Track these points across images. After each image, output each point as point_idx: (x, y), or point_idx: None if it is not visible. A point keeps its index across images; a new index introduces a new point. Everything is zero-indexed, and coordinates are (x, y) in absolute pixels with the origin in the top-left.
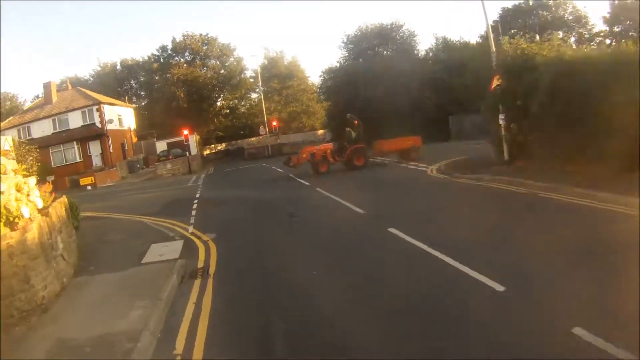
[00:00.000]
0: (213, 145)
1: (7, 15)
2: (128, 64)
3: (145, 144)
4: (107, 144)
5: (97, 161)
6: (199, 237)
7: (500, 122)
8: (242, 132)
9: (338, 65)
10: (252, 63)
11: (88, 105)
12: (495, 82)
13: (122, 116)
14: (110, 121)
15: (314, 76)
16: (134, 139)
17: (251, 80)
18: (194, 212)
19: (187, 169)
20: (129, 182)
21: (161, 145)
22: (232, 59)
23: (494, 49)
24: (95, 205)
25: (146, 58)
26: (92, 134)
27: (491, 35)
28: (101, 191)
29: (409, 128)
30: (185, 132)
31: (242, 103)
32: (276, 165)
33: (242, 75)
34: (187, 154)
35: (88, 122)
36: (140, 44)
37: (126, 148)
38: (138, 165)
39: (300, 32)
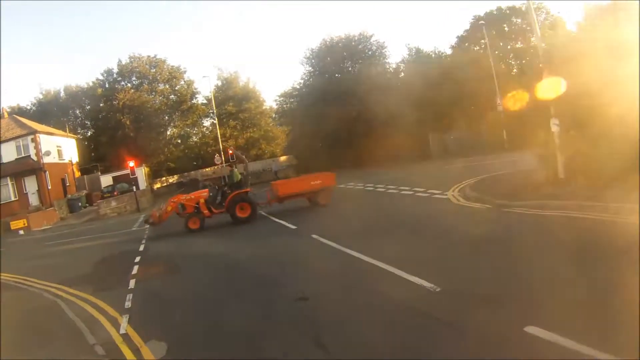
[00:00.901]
0: (164, 178)
1: None
2: (72, 90)
3: (89, 179)
4: (45, 179)
5: (34, 199)
6: (136, 350)
7: (553, 128)
8: (195, 163)
9: (301, 82)
10: (204, 86)
11: (22, 134)
12: (546, 76)
13: (62, 148)
14: (48, 153)
15: (270, 99)
16: (77, 173)
17: (203, 106)
18: (132, 283)
19: (135, 206)
20: (68, 224)
21: (107, 180)
22: (182, 82)
23: (538, 32)
24: (11, 262)
25: (91, 84)
26: (27, 168)
27: (534, 14)
28: (33, 237)
29: (384, 149)
30: (131, 163)
31: (195, 130)
32: None
33: (194, 100)
34: (134, 189)
35: (23, 155)
36: (86, 68)
37: (67, 184)
38: (80, 204)
39: (253, 53)
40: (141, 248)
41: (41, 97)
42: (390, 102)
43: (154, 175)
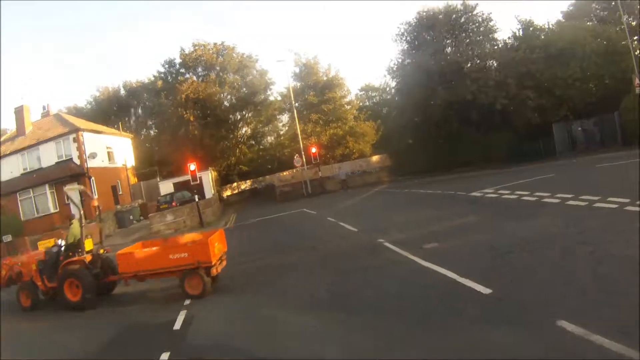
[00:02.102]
0: (235, 184)
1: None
2: (132, 86)
3: (146, 186)
4: (90, 187)
5: (76, 211)
6: None
7: None
8: (269, 167)
9: (396, 63)
10: (279, 75)
11: (63, 133)
12: None
13: (113, 149)
14: (93, 155)
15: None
16: (132, 180)
17: (279, 99)
18: None
19: (198, 219)
20: (110, 244)
21: (166, 187)
22: (254, 72)
23: None
24: None
25: (152, 78)
26: (68, 173)
27: None
28: None
29: (502, 143)
30: (192, 166)
31: (269, 128)
32: (328, 211)
33: (269, 92)
34: (196, 199)
35: (64, 158)
36: (147, 64)
37: (120, 192)
38: (131, 217)
39: (330, 39)
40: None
41: (98, 94)
42: (509, 85)
43: (223, 181)
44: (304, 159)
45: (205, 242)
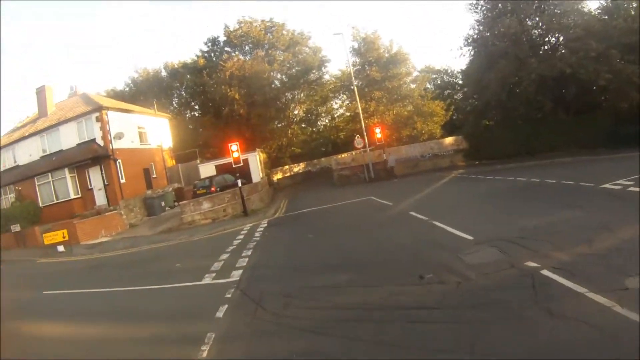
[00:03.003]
0: (287, 167)
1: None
2: (174, 68)
3: (185, 169)
4: (116, 170)
5: (101, 197)
6: None
7: None
8: (323, 149)
9: (475, 30)
10: (334, 54)
11: (85, 112)
12: None
13: (145, 129)
14: (120, 136)
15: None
16: (169, 162)
17: (334, 79)
18: None
19: (241, 208)
20: (134, 236)
21: (208, 170)
22: (306, 49)
23: None
24: None
25: (195, 57)
26: (89, 155)
27: None
28: (70, 259)
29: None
30: (234, 147)
31: (324, 108)
32: (405, 202)
33: (323, 69)
34: (239, 184)
35: (86, 139)
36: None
37: (154, 175)
38: (162, 204)
39: (386, 15)
40: None
41: (137, 76)
42: (611, 58)
43: (273, 163)
44: (366, 140)
45: None
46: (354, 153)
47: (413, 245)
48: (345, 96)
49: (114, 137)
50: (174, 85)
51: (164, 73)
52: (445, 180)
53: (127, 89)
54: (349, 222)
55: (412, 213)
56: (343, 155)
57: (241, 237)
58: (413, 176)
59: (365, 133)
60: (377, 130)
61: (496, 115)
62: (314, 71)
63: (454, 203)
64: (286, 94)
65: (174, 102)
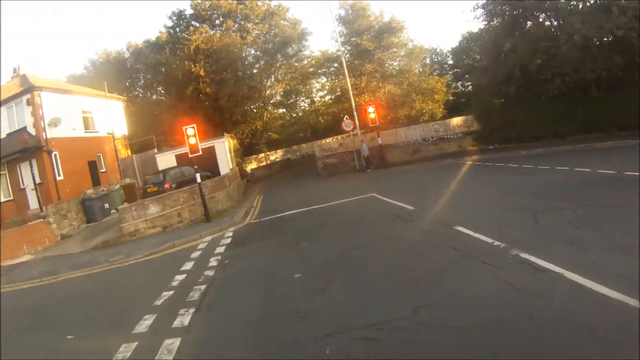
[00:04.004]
0: (262, 155)
1: None
2: (137, 48)
3: (140, 160)
4: (50, 164)
5: (34, 199)
6: None
7: None
8: (301, 135)
9: None
10: (317, 29)
11: (15, 95)
12: None
13: (92, 114)
14: (56, 122)
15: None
16: (124, 153)
17: (314, 58)
18: None
19: (202, 211)
20: (58, 255)
21: (167, 160)
22: (284, 23)
23: None
24: None
25: (159, 34)
26: (17, 147)
27: None
28: None
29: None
30: (191, 131)
31: (304, 89)
32: (426, 201)
33: (304, 43)
34: (197, 179)
35: (17, 128)
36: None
37: (102, 169)
38: (106, 205)
39: None
40: None
41: (96, 57)
42: None
43: (246, 151)
44: (357, 122)
45: None
46: (341, 137)
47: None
48: (326, 78)
49: (48, 124)
50: (137, 67)
51: (127, 54)
52: (466, 170)
53: (86, 72)
54: (355, 242)
55: (461, 229)
56: (328, 140)
57: (189, 265)
58: (416, 164)
59: (355, 113)
60: (371, 109)
61: (521, 90)
62: (293, 45)
63: (516, 207)
64: (262, 69)
65: (138, 86)
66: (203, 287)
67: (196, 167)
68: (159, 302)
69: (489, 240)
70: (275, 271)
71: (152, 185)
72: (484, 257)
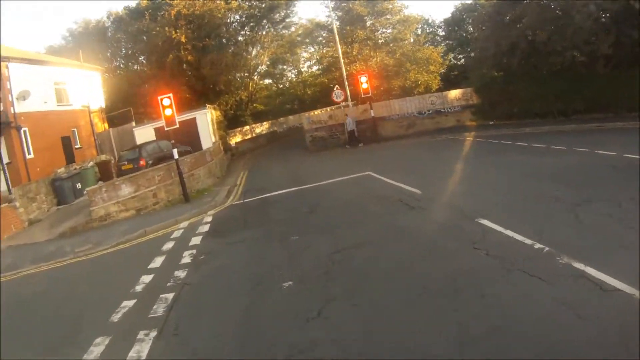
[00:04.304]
0: (248, 127)
1: None
2: (118, 15)
3: (117, 134)
4: (19, 141)
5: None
6: None
7: None
8: (288, 106)
9: None
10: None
11: None
12: None
13: (66, 85)
14: (25, 95)
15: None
16: (101, 127)
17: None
18: None
19: (180, 191)
20: (24, 244)
21: (145, 134)
22: None
23: None
24: None
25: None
26: None
27: None
28: None
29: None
30: (166, 102)
31: (291, 59)
32: (433, 182)
33: (293, 8)
34: (175, 155)
35: None
36: None
37: (77, 145)
38: (78, 185)
39: None
40: None
41: (75, 27)
42: None
43: (231, 123)
44: (348, 92)
45: None
46: (330, 109)
47: None
48: (315, 47)
49: (16, 98)
50: (118, 37)
51: (108, 23)
52: (470, 147)
53: (65, 42)
54: (355, 236)
55: (486, 223)
56: (317, 112)
57: (159, 260)
58: (412, 139)
59: (346, 83)
60: (363, 79)
61: (523, 63)
62: (280, 11)
63: (542, 196)
64: (247, 36)
65: (120, 56)
66: (171, 296)
67: (173, 141)
68: (115, 318)
69: (527, 241)
70: (259, 276)
71: (126, 162)
72: (527, 266)
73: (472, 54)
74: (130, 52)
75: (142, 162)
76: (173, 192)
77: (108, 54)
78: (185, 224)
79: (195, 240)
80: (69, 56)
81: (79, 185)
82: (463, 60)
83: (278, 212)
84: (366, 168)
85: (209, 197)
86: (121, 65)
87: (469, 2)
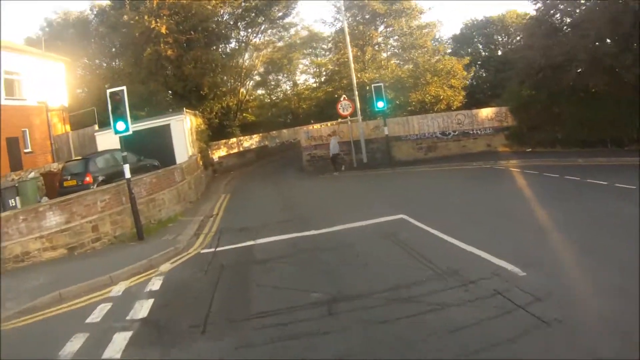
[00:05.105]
0: (234, 140)
1: None
2: (101, 8)
3: (77, 138)
4: None
5: None
6: None
7: None
8: (281, 120)
9: None
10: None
11: None
12: None
13: (20, 77)
14: None
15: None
16: (62, 128)
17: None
18: None
19: (131, 224)
20: None
21: (108, 140)
22: None
23: None
24: None
25: None
26: None
27: None
28: None
29: None
30: (117, 98)
31: (290, 66)
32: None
33: (294, 7)
34: (126, 173)
35: None
36: None
37: (26, 149)
38: (11, 202)
39: None
40: None
41: (55, 17)
42: None
43: (215, 134)
44: (357, 105)
45: None
46: (332, 124)
47: None
48: (312, 59)
49: None
50: (102, 31)
51: (92, 16)
52: (527, 182)
53: (42, 33)
54: None
55: None
56: (316, 127)
57: None
58: (433, 165)
59: (356, 92)
60: (379, 88)
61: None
62: (280, 6)
63: None
64: (240, 32)
65: (103, 53)
66: None
67: (125, 154)
68: None
69: None
70: None
71: (69, 177)
72: None
73: (507, 68)
74: (108, 46)
75: (88, 179)
76: (123, 224)
77: (90, 50)
78: (120, 287)
79: (117, 342)
80: (47, 49)
81: (12, 202)
82: (484, 73)
83: (266, 292)
84: (393, 206)
85: (172, 233)
86: (104, 64)
87: (480, 18)
